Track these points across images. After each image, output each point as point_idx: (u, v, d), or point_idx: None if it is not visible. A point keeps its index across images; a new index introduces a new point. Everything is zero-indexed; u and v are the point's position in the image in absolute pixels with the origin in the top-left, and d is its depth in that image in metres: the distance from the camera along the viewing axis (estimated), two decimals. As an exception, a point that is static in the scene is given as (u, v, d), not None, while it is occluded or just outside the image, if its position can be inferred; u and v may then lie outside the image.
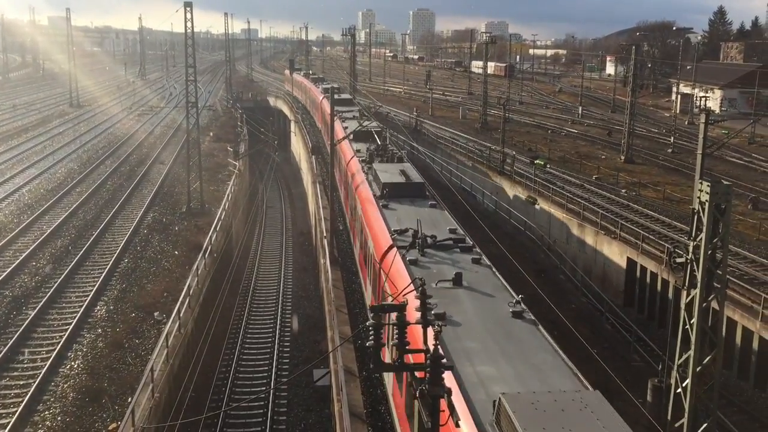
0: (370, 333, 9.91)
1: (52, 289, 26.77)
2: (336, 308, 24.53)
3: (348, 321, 24.03)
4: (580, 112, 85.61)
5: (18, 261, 29.54)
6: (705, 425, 15.79)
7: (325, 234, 32.17)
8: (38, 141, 61.28)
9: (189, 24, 40.23)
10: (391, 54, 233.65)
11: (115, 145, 60.07)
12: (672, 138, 63.14)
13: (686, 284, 15.50)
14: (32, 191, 42.61)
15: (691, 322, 15.41)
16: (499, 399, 10.02)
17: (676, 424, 16.02)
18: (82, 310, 25.04)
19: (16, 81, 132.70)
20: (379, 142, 34.48)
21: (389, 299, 16.37)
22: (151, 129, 70.70)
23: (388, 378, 17.57)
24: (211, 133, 67.01)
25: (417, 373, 10.03)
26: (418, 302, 10.15)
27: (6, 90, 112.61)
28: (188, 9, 39.99)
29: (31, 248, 31.25)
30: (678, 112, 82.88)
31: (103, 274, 28.68)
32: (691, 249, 15.25)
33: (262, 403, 25.14)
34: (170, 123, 74.90)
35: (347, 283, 28.04)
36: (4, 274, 27.99)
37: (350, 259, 29.95)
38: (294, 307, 34.91)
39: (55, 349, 22.02)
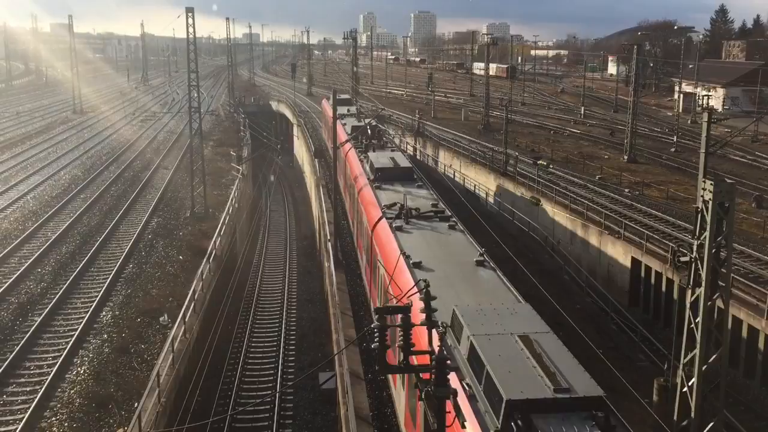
0: (375, 335, 9.94)
1: (57, 296, 26.85)
2: (341, 311, 24.57)
3: (353, 324, 24.07)
4: (582, 112, 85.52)
5: (23, 268, 29.63)
6: (711, 424, 15.76)
7: (328, 237, 32.20)
8: (42, 148, 61.48)
9: (191, 29, 40.35)
10: (393, 57, 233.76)
11: (118, 151, 60.23)
12: (675, 137, 63.00)
13: (691, 283, 15.48)
14: (37, 198, 42.74)
15: (697, 320, 15.39)
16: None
17: (683, 424, 15.99)
18: (87, 315, 25.11)
19: (20, 88, 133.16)
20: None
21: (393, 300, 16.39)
22: (154, 135, 70.87)
23: (394, 380, 17.58)
24: (214, 138, 67.15)
25: (422, 375, 10.05)
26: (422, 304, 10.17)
27: (9, 97, 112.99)
28: (190, 14, 40.12)
29: (36, 255, 31.35)
30: (680, 111, 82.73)
31: (108, 280, 28.75)
32: (695, 248, 15.23)
33: (268, 406, 25.16)
34: (173, 128, 75.05)
35: (351, 286, 28.07)
36: (10, 280, 28.08)
37: (354, 261, 29.97)
38: (299, 311, 34.94)
39: (61, 355, 22.08)
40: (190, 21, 40.21)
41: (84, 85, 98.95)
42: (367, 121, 46.49)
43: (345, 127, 45.11)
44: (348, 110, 54.97)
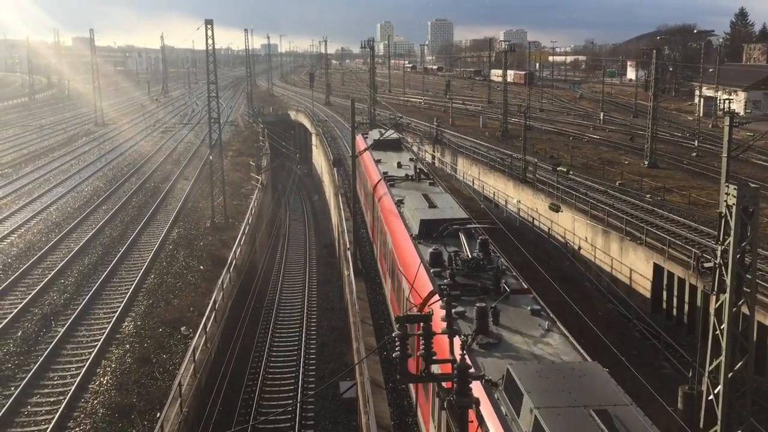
0: (396, 344, 9.89)
1: (80, 306, 27.09)
2: (361, 320, 24.55)
3: (373, 332, 24.04)
4: (601, 117, 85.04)
5: (47, 279, 29.93)
6: (738, 432, 15.53)
7: (348, 245, 32.23)
8: (65, 160, 62.26)
9: (210, 41, 40.70)
10: (410, 65, 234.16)
11: (139, 162, 60.81)
12: (696, 141, 62.42)
13: (715, 289, 15.29)
14: (60, 209, 43.23)
15: (722, 327, 15.19)
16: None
17: (709, 432, 15.77)
18: (110, 326, 25.30)
19: (42, 102, 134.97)
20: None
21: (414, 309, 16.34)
22: (174, 146, 71.48)
23: (415, 389, 17.50)
24: (234, 148, 67.60)
25: (444, 384, 9.98)
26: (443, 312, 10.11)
27: (33, 111, 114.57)
28: (209, 26, 40.49)
29: (60, 266, 31.67)
30: (701, 115, 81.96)
31: (130, 290, 28.97)
32: (719, 253, 15.05)
33: (290, 416, 25.16)
34: (193, 139, 75.69)
35: (371, 294, 28.05)
36: (34, 291, 28.38)
37: (374, 270, 29.94)
38: (319, 320, 34.96)
39: (84, 366, 22.26)
40: (210, 33, 40.58)
41: (105, 97, 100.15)
42: (446, 201, 25.08)
43: (402, 209, 25.00)
44: (399, 163, 34.25)
